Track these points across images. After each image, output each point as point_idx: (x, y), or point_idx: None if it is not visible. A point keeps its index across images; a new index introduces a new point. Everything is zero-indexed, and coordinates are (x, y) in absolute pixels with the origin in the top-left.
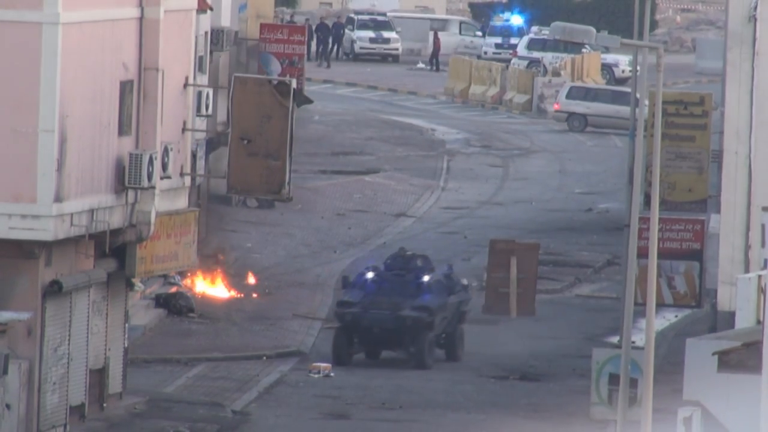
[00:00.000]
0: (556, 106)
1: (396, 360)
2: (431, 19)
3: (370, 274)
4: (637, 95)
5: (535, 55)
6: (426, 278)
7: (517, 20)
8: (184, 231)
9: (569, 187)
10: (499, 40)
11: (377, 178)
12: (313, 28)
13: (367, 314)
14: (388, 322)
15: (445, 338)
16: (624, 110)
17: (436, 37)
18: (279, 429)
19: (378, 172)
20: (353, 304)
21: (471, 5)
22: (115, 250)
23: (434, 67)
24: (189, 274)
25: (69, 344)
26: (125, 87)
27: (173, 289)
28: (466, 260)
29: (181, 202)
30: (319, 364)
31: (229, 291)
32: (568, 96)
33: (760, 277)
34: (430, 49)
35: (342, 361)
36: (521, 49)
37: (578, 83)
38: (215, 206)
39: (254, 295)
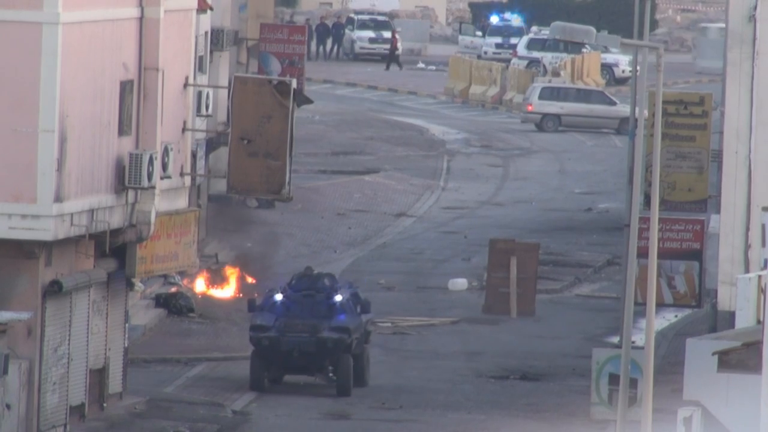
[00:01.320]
0: (529, 107)
1: (395, 360)
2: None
3: (278, 296)
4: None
5: (535, 55)
6: (338, 297)
7: (516, 20)
8: (184, 231)
9: (569, 187)
10: (499, 40)
11: (377, 178)
12: (313, 28)
13: (285, 338)
14: (308, 345)
15: (353, 360)
16: (597, 109)
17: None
18: (279, 429)
19: (378, 172)
20: (268, 328)
21: (471, 5)
22: (115, 250)
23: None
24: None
25: (69, 344)
26: (125, 87)
27: (173, 289)
28: (466, 260)
29: (181, 202)
30: None
31: (238, 293)
32: (541, 97)
33: (760, 277)
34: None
35: (259, 387)
36: (521, 49)
37: (549, 83)
38: (215, 206)
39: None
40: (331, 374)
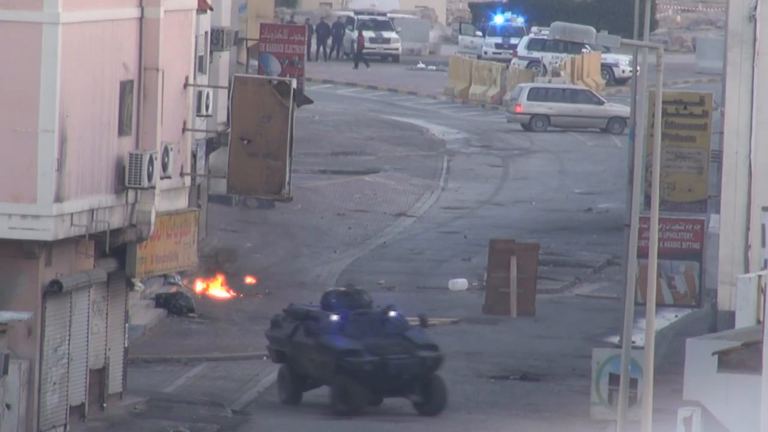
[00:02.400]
0: (518, 108)
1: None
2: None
3: (334, 317)
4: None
5: (535, 55)
6: (393, 313)
7: (517, 20)
8: (184, 231)
9: (569, 187)
10: (499, 40)
11: (377, 178)
12: (314, 28)
13: (390, 361)
14: (414, 366)
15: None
16: (585, 108)
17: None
18: (279, 429)
19: (378, 172)
20: (359, 352)
21: (471, 5)
22: (115, 250)
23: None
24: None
25: (69, 344)
26: (125, 87)
27: (173, 289)
28: (466, 260)
29: (181, 202)
30: None
31: (229, 292)
32: (529, 97)
33: (760, 277)
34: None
35: (296, 399)
36: (521, 49)
37: (537, 84)
38: (215, 206)
39: (262, 296)
40: (433, 394)
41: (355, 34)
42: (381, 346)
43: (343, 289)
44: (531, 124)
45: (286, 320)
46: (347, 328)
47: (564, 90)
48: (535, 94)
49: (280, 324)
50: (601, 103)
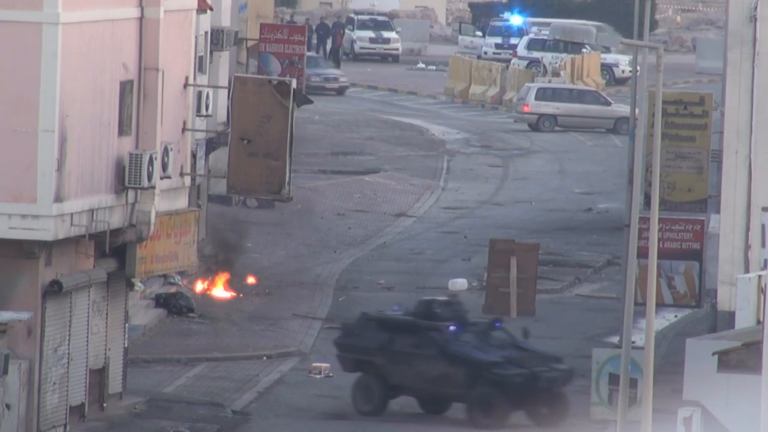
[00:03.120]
0: (526, 108)
1: None
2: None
3: (452, 327)
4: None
5: (535, 55)
6: (500, 324)
7: (516, 20)
8: (184, 231)
9: (569, 187)
10: (499, 40)
11: (377, 178)
12: (314, 28)
13: (542, 373)
14: (561, 379)
15: None
16: (593, 109)
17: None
18: (279, 429)
19: (378, 172)
20: (503, 365)
21: (471, 5)
22: (115, 250)
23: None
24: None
25: (69, 344)
26: (125, 87)
27: (173, 289)
28: (466, 260)
29: (181, 202)
30: (319, 364)
31: (229, 292)
32: (537, 97)
33: (760, 277)
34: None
35: (380, 412)
36: (521, 49)
37: (548, 84)
38: (215, 206)
39: (262, 296)
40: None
41: (355, 35)
42: (519, 359)
43: (444, 298)
44: (538, 124)
45: (368, 329)
46: (470, 340)
47: (571, 90)
48: (543, 94)
49: (358, 332)
50: (608, 103)
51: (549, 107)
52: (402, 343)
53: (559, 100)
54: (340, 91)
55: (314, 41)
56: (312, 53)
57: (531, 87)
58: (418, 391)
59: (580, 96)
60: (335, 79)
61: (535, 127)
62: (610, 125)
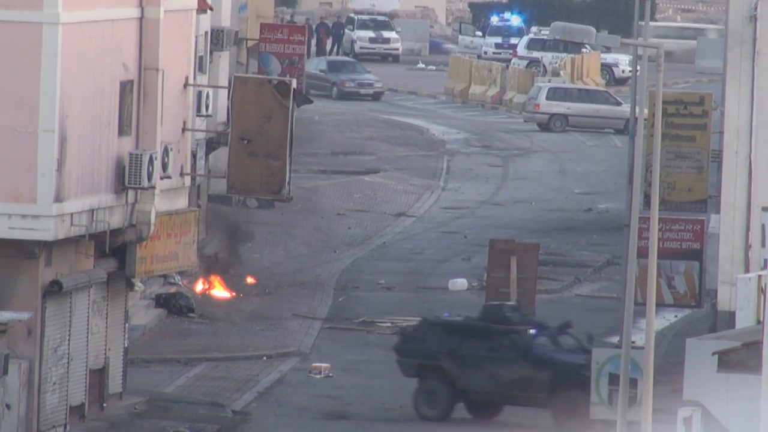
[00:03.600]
0: (536, 107)
1: (395, 360)
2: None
3: (531, 331)
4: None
5: (535, 55)
6: (568, 329)
7: (515, 20)
8: (184, 231)
9: (569, 187)
10: (499, 40)
11: (377, 178)
12: (314, 27)
13: None
14: None
15: None
16: (603, 109)
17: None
18: (279, 429)
19: (378, 172)
20: (588, 366)
21: (471, 5)
22: (115, 250)
23: None
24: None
25: (69, 344)
26: (125, 87)
27: (173, 289)
28: (466, 260)
29: (181, 202)
30: (319, 364)
31: (229, 292)
32: (548, 97)
33: (760, 277)
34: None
35: (445, 417)
36: (521, 49)
37: (557, 84)
38: (215, 206)
39: (262, 296)
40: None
41: (355, 35)
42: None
43: (511, 303)
44: (549, 123)
45: (432, 334)
46: (547, 343)
47: (581, 90)
48: (553, 94)
49: (420, 337)
50: (618, 104)
51: (560, 107)
52: (472, 347)
53: (569, 100)
54: (376, 97)
55: (314, 45)
56: (341, 57)
57: (542, 87)
58: (489, 395)
59: (590, 96)
60: (370, 85)
61: (545, 127)
62: (620, 125)
